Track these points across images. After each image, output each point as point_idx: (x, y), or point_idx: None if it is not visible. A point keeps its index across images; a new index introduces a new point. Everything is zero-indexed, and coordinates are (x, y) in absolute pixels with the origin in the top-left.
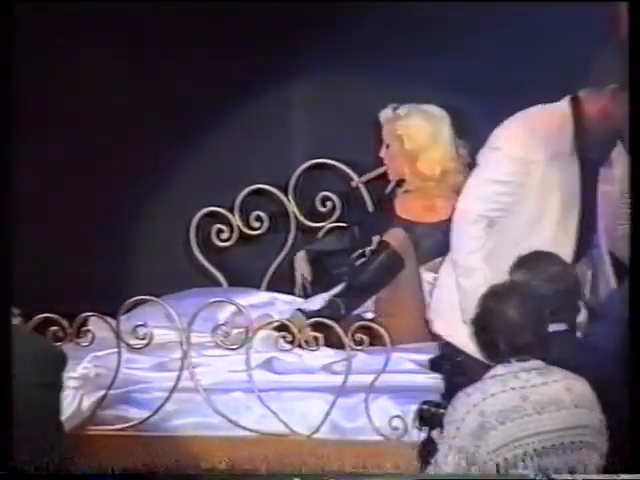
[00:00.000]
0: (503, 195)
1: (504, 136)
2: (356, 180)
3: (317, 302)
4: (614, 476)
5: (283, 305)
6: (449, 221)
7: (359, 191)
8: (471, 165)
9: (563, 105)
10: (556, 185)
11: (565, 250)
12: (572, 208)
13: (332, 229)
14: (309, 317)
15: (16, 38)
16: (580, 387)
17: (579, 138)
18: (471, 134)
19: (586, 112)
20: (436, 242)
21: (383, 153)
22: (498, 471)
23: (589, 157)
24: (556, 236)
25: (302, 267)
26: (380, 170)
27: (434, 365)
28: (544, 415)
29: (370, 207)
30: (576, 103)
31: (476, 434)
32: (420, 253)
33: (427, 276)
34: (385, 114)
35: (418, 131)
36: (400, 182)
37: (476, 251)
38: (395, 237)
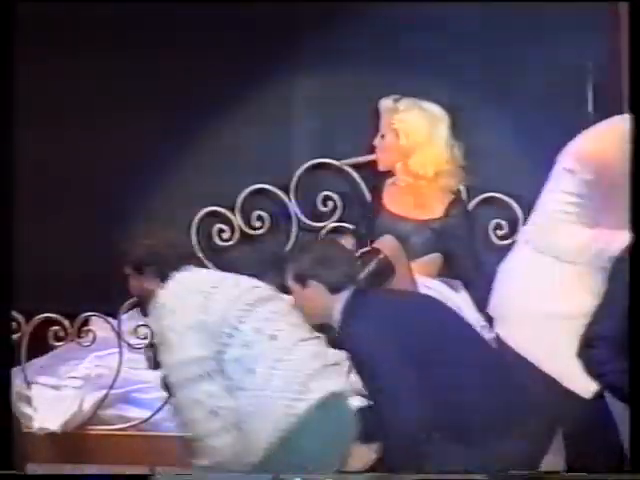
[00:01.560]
0: (574, 216)
1: (577, 157)
2: (338, 163)
3: None
4: (612, 476)
5: None
6: (440, 219)
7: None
8: (464, 168)
9: (622, 121)
10: (616, 205)
11: None
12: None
13: None
14: None
15: (16, 38)
16: None
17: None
18: (468, 135)
19: None
20: (425, 239)
21: (377, 142)
22: None
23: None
24: None
25: None
26: (369, 157)
27: None
28: None
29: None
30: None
31: None
32: (408, 250)
33: (422, 279)
34: (385, 104)
35: (415, 128)
36: (389, 173)
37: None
38: (386, 244)
